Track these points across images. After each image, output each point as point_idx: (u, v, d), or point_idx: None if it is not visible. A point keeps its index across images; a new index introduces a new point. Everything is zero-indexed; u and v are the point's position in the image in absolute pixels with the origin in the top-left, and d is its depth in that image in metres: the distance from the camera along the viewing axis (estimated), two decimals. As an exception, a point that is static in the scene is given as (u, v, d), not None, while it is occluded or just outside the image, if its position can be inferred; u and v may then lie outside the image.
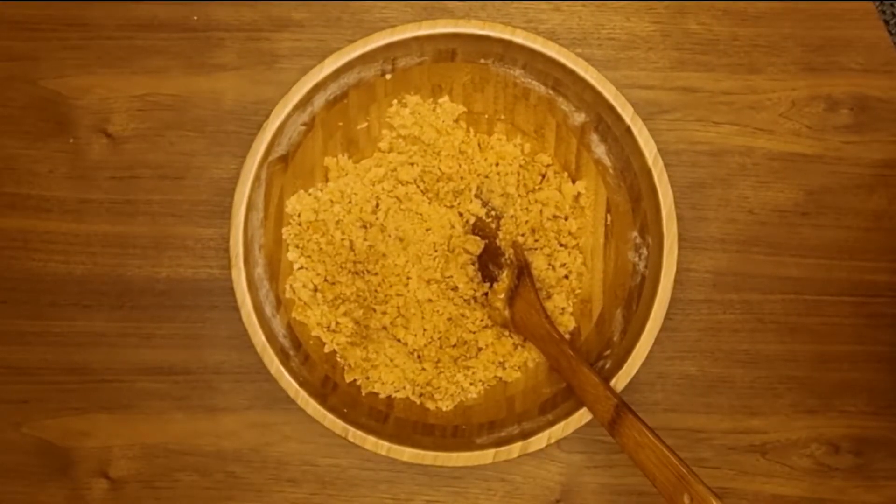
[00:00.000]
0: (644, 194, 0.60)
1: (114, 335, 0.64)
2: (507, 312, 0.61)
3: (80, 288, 0.64)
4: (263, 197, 0.60)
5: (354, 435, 0.58)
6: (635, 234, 0.61)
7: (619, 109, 0.59)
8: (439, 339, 0.63)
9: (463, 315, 0.63)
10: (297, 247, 0.63)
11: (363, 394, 0.62)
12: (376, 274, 0.63)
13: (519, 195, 0.64)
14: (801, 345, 0.65)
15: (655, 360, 0.64)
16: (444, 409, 0.62)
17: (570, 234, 0.64)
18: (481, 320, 0.63)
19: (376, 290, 0.63)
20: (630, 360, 0.58)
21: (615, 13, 0.66)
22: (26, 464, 0.64)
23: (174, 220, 0.65)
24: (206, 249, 0.65)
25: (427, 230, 0.63)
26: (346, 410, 0.59)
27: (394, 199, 0.63)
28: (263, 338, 0.58)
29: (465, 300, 0.63)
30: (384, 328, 0.63)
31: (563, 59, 0.59)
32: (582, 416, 0.58)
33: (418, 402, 0.63)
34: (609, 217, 0.64)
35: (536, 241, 0.63)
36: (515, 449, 0.58)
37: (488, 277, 0.63)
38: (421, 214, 0.63)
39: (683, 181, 0.65)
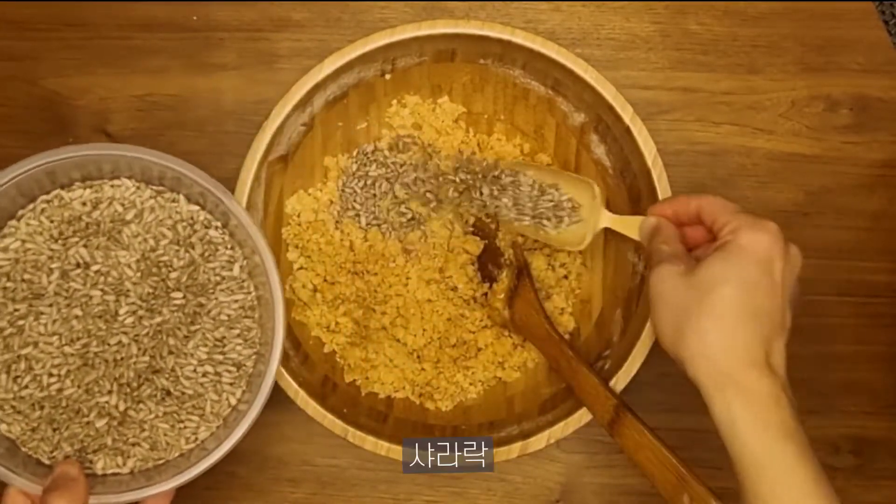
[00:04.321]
0: (644, 194, 0.60)
1: (114, 335, 0.64)
2: (506, 313, 0.61)
3: (80, 288, 0.64)
4: (263, 197, 0.60)
5: (354, 435, 0.58)
6: (635, 234, 0.61)
7: (619, 109, 0.59)
8: (439, 339, 0.63)
9: (462, 315, 0.63)
10: (296, 247, 0.63)
11: (363, 394, 0.62)
12: (376, 274, 0.63)
13: (519, 195, 0.64)
14: (802, 345, 0.65)
15: (655, 360, 0.64)
16: (444, 409, 0.62)
17: (569, 234, 0.64)
18: (481, 320, 0.63)
19: (376, 291, 0.63)
20: (630, 360, 0.58)
21: (615, 13, 0.66)
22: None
23: (174, 221, 0.65)
24: (206, 249, 0.65)
25: (427, 230, 0.63)
26: (345, 410, 0.59)
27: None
28: (263, 338, 0.58)
29: (464, 300, 0.63)
30: (384, 328, 0.63)
31: (562, 59, 0.59)
32: (582, 416, 0.58)
33: (418, 402, 0.63)
34: (609, 217, 0.64)
35: (536, 241, 0.63)
36: (515, 449, 0.58)
37: (488, 278, 0.63)
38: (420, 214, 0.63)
39: (683, 181, 0.65)
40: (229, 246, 0.56)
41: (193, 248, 0.55)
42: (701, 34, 0.66)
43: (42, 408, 0.53)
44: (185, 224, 0.56)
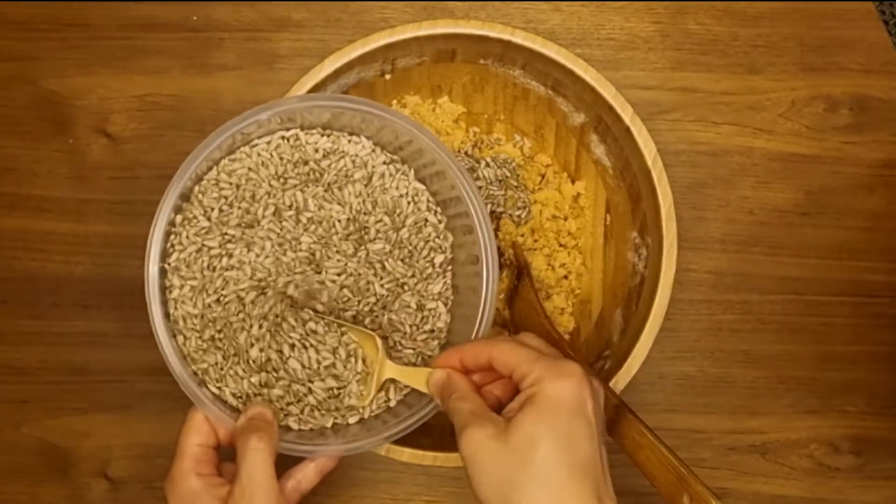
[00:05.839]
0: (643, 194, 0.60)
1: (114, 335, 0.64)
2: (506, 313, 0.61)
3: (80, 288, 0.64)
4: (263, 197, 0.60)
5: (354, 435, 0.58)
6: (635, 234, 0.61)
7: (619, 110, 0.59)
8: (439, 339, 0.63)
9: (462, 315, 0.63)
10: (296, 247, 0.63)
11: (363, 394, 0.62)
12: (376, 274, 0.63)
13: (518, 195, 0.64)
14: (801, 345, 0.65)
15: (655, 360, 0.64)
16: (444, 409, 0.62)
17: (569, 234, 0.64)
18: (481, 320, 0.63)
19: (376, 291, 0.63)
20: (630, 360, 0.58)
21: (615, 13, 0.66)
22: (26, 464, 0.64)
23: (174, 221, 0.65)
24: (206, 249, 0.65)
25: (427, 230, 0.63)
26: (345, 410, 0.59)
27: (393, 200, 0.63)
28: (263, 338, 0.58)
29: (464, 300, 0.63)
30: (384, 328, 0.63)
31: (562, 60, 0.59)
32: (581, 417, 0.58)
33: (418, 402, 0.63)
34: (608, 217, 0.64)
35: (536, 241, 0.63)
36: (515, 449, 0.58)
37: (488, 277, 0.62)
38: (421, 214, 0.63)
39: (683, 181, 0.65)
40: (441, 235, 0.56)
41: (404, 224, 0.55)
42: (701, 34, 0.66)
43: (216, 329, 0.53)
44: (408, 200, 0.55)
